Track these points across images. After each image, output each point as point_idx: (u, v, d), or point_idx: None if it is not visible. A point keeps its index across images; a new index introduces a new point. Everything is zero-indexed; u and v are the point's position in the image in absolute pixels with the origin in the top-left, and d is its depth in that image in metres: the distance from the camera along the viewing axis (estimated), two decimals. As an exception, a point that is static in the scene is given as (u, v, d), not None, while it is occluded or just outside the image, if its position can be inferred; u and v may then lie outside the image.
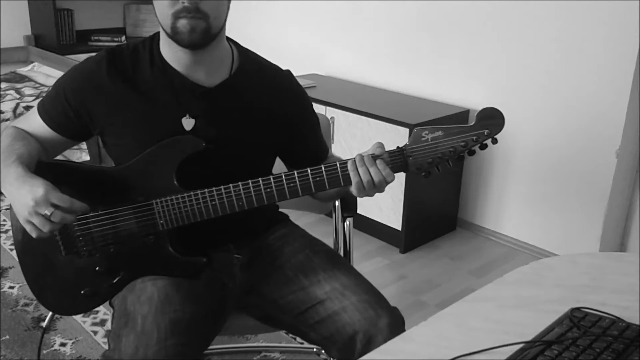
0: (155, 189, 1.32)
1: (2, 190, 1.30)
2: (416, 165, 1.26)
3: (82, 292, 1.37)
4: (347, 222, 1.70)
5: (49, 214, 1.21)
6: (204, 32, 1.27)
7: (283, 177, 1.28)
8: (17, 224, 1.39)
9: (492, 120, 1.24)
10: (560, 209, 2.80)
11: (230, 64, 1.39)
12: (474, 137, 1.23)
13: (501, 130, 1.24)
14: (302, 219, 1.52)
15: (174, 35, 1.28)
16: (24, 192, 1.23)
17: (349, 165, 1.26)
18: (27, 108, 3.34)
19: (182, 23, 1.26)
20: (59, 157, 1.49)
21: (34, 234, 1.25)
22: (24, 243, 1.40)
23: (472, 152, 1.25)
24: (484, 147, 1.25)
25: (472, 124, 1.24)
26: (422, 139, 1.25)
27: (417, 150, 1.25)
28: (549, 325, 1.03)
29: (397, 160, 1.26)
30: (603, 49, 2.52)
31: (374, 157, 1.26)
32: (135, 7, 4.46)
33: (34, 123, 1.42)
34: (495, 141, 1.25)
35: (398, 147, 1.26)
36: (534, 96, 2.78)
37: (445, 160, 1.25)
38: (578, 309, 1.07)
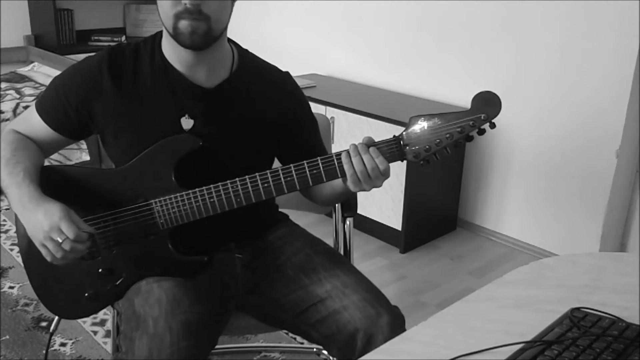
0: (155, 188, 1.32)
1: (14, 211, 1.30)
2: (413, 153, 1.25)
3: (85, 294, 1.37)
4: (347, 222, 1.71)
5: (60, 240, 1.22)
6: (205, 34, 1.27)
7: (280, 171, 1.27)
8: (21, 230, 1.39)
9: (488, 103, 1.22)
10: (560, 209, 2.80)
11: (231, 65, 1.40)
12: (471, 122, 1.22)
13: (498, 114, 1.22)
14: (302, 219, 1.52)
15: (176, 36, 1.28)
16: (40, 216, 1.23)
17: (343, 157, 1.26)
18: (27, 108, 3.33)
19: (184, 24, 1.25)
20: (57, 159, 1.49)
21: (48, 258, 1.26)
22: (28, 249, 1.40)
23: (470, 138, 1.24)
24: (481, 132, 1.24)
25: (468, 109, 1.23)
26: (419, 126, 1.25)
27: (414, 138, 1.25)
28: (549, 325, 1.03)
29: (393, 148, 1.26)
30: (603, 49, 2.52)
31: (367, 145, 1.25)
32: (135, 7, 4.46)
33: (34, 124, 1.40)
34: (493, 125, 1.24)
35: (394, 136, 1.26)
36: (534, 96, 2.78)
37: (443, 147, 1.25)
38: (578, 309, 1.07)
